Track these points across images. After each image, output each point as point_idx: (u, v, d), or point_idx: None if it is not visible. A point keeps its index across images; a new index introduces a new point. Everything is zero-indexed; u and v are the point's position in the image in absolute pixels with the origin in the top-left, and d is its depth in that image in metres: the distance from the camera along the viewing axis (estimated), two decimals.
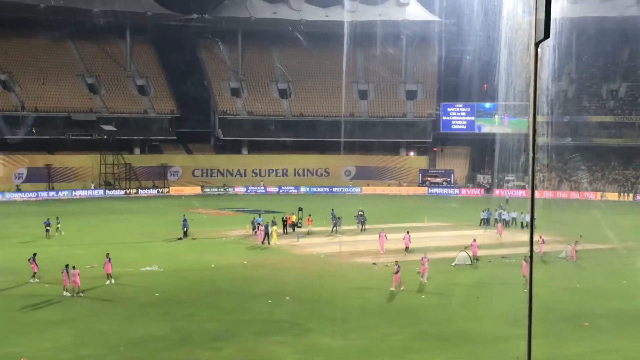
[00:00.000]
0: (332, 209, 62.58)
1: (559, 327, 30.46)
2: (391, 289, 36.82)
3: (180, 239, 57.12)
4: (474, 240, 47.98)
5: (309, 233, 59.14)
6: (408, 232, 50.91)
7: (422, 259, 39.28)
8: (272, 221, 56.67)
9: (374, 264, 43.34)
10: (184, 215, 59.58)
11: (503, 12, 67.04)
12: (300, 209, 64.39)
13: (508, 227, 62.47)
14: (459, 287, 39.36)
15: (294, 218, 59.06)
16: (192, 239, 57.16)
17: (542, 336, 25.33)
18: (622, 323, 31.67)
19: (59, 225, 57.88)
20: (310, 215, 61.98)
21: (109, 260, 39.34)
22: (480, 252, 47.64)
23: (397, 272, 37.00)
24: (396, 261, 38.30)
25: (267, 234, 53.95)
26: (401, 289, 37.17)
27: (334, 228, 59.17)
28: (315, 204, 70.06)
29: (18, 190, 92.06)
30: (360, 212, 62.90)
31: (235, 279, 41.62)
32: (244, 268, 45.35)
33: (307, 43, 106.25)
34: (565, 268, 44.45)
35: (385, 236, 50.43)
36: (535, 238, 48.18)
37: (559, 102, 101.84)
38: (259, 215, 61.74)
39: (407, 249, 48.85)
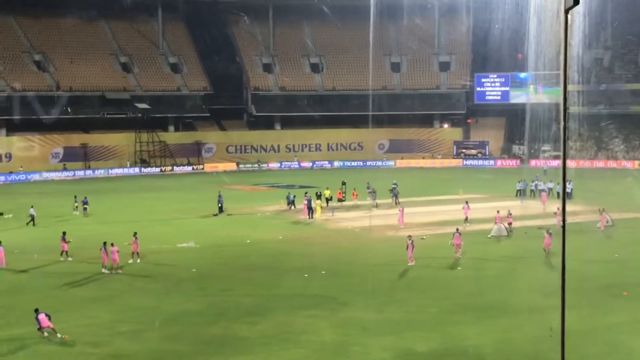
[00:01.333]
0: (368, 183, 63.86)
1: (596, 297, 30.58)
2: (410, 264, 37.25)
3: (216, 215, 57.34)
4: (509, 212, 48.61)
5: (355, 207, 59.96)
6: (467, 202, 52.07)
7: (454, 234, 39.27)
8: (317, 194, 58.80)
9: (409, 236, 42.32)
10: (219, 192, 59.80)
11: None
12: (344, 183, 64.91)
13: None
14: (494, 259, 39.65)
15: (327, 193, 59.70)
16: (228, 215, 57.21)
17: (578, 307, 25.36)
18: None
19: (85, 206, 58.43)
20: (355, 189, 63.31)
21: (136, 239, 39.69)
22: (516, 224, 48.18)
23: (409, 247, 37.31)
24: (409, 235, 38.26)
25: (310, 208, 54.68)
26: (411, 264, 37.97)
27: (374, 201, 59.57)
28: (350, 177, 70.90)
29: (65, 169, 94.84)
30: (394, 185, 63.29)
31: (270, 254, 41.72)
32: (279, 243, 45.49)
33: (338, 16, 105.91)
34: (600, 238, 43.32)
35: (403, 210, 51.13)
36: (554, 209, 50.38)
37: (595, 70, 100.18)
38: (294, 193, 62.76)
39: (466, 219, 50.00)
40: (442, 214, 56.35)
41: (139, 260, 39.24)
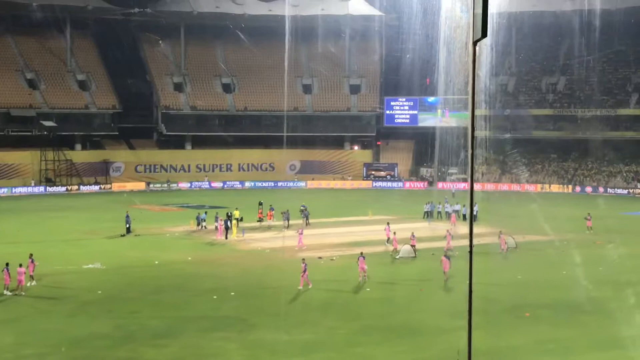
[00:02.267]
0: (270, 205, 64.86)
1: (500, 318, 30.95)
2: (299, 287, 36.54)
3: (123, 235, 56.14)
4: (412, 234, 48.87)
5: (269, 227, 59.99)
6: (388, 224, 52.33)
7: (358, 257, 39.10)
8: (227, 215, 58.70)
9: (320, 258, 44.46)
10: (127, 212, 58.24)
11: (442, 10, 67.19)
12: (261, 203, 64.18)
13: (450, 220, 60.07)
14: (402, 280, 39.73)
15: (237, 213, 57.62)
16: (136, 235, 56.22)
17: (483, 328, 25.66)
18: (561, 313, 32.40)
19: None
20: (271, 208, 62.98)
21: (32, 262, 38.61)
22: (422, 245, 48.43)
23: (304, 271, 36.67)
24: (303, 259, 37.85)
25: (227, 228, 54.27)
26: (309, 286, 37.16)
27: (285, 222, 59.24)
28: (261, 198, 69.97)
29: None
30: (302, 207, 62.86)
31: (179, 276, 41.16)
32: (188, 264, 44.88)
33: (251, 38, 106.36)
34: (502, 260, 44.04)
35: (302, 232, 51.94)
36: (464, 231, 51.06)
37: (499, 95, 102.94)
38: (204, 212, 62.14)
39: (388, 239, 49.77)
40: (352, 235, 56.72)
41: (34, 283, 38.50)
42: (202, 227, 57.94)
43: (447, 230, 49.93)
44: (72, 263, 44.25)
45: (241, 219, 58.54)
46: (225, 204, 72.95)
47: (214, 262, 45.54)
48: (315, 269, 40.21)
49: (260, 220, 61.26)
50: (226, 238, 53.34)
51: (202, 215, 59.23)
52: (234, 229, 53.95)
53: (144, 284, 38.96)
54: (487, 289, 34.81)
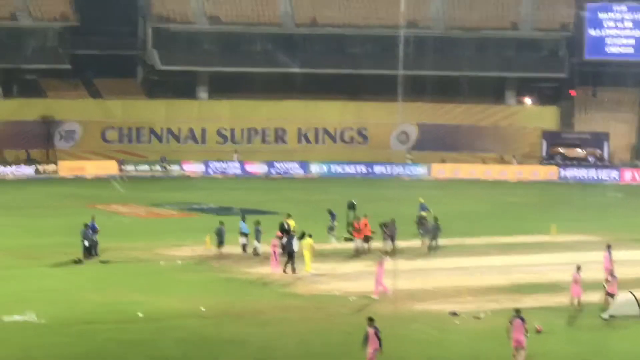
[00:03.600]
0: (355, 217, 52.83)
1: None
2: None
3: (80, 261, 48.08)
4: (610, 274, 39.26)
5: (358, 253, 50.16)
6: (609, 248, 43.04)
7: (512, 321, 30.26)
8: (283, 228, 48.15)
9: (454, 314, 36.90)
10: (91, 221, 49.29)
11: None
12: (352, 206, 54.40)
13: None
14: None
15: (292, 224, 48.64)
16: (102, 262, 48.39)
17: None
18: None
19: None
20: (366, 215, 52.41)
21: None
22: None
23: (373, 346, 29.32)
24: (370, 319, 29.20)
25: (290, 254, 45.28)
26: None
27: (389, 243, 50.15)
28: (346, 197, 59.23)
29: None
30: (422, 212, 54.28)
31: (184, 343, 33.59)
32: (200, 321, 36.86)
33: None
34: None
35: (383, 265, 41.28)
36: None
37: None
38: (243, 218, 51.51)
39: (607, 280, 39.35)
40: (518, 270, 47.03)
41: None
42: (220, 246, 49.14)
43: None
44: None
45: (300, 235, 47.95)
46: (275, 207, 64.08)
47: (249, 317, 37.94)
48: (445, 336, 33.86)
49: (349, 237, 51.80)
50: (289, 271, 45.51)
51: (242, 226, 49.87)
52: (308, 258, 45.01)
53: (117, 358, 33.10)
54: None
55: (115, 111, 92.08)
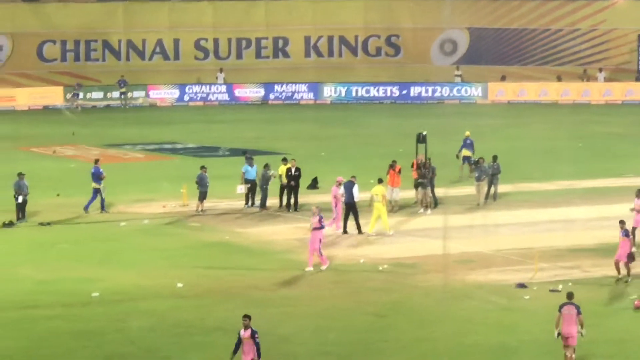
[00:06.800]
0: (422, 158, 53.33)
1: None
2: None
3: (11, 223, 48.22)
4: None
5: (395, 207, 50.50)
6: None
7: (560, 308, 30.77)
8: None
9: (522, 286, 36.21)
10: (19, 174, 49.20)
11: None
12: (423, 139, 53.62)
13: None
14: None
15: (282, 169, 51.35)
16: (42, 224, 48.22)
17: None
18: None
19: None
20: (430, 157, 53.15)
21: None
22: None
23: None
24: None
25: (349, 206, 46.29)
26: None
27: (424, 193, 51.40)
28: (365, 129, 65.96)
29: None
30: (465, 152, 56.68)
31: (153, 332, 33.16)
32: (176, 302, 36.57)
33: None
34: None
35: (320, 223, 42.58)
36: None
37: None
38: (248, 160, 52.22)
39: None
40: (607, 225, 44.33)
41: None
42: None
43: None
44: None
45: (294, 181, 51.59)
46: (275, 146, 65.36)
47: (240, 295, 37.20)
48: (511, 314, 33.62)
49: (421, 182, 51.74)
50: (345, 231, 46.55)
51: (246, 170, 51.17)
52: (380, 211, 45.54)
53: (63, 355, 31.24)
54: None
55: (56, 19, 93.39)
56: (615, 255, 39.78)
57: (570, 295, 31.65)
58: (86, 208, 52.19)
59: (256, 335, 29.24)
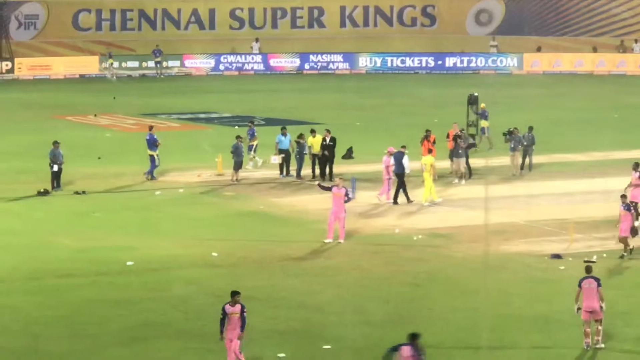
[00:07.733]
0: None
1: None
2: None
3: (47, 192, 47.99)
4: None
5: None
6: None
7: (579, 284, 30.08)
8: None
9: (557, 256, 36.29)
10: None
11: None
12: (475, 100, 58.31)
13: None
14: None
15: (312, 141, 51.02)
16: (77, 192, 47.99)
17: None
18: None
19: None
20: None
21: None
22: None
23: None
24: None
25: (399, 177, 46.72)
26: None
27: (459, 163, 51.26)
28: (400, 98, 65.19)
29: None
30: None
31: (189, 301, 32.78)
32: (211, 271, 36.28)
33: None
34: None
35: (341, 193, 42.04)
36: None
37: None
38: (282, 130, 51.95)
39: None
40: None
41: None
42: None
43: None
44: None
45: (327, 153, 51.16)
46: (310, 116, 65.92)
47: (275, 265, 37.33)
48: (546, 285, 33.19)
49: (473, 143, 54.60)
50: (396, 202, 46.95)
51: (282, 139, 51.64)
52: (427, 180, 46.41)
53: (98, 322, 30.57)
54: None
55: None
56: (619, 232, 38.88)
57: (589, 269, 31.30)
58: (150, 174, 52.01)
59: (245, 311, 29.38)
